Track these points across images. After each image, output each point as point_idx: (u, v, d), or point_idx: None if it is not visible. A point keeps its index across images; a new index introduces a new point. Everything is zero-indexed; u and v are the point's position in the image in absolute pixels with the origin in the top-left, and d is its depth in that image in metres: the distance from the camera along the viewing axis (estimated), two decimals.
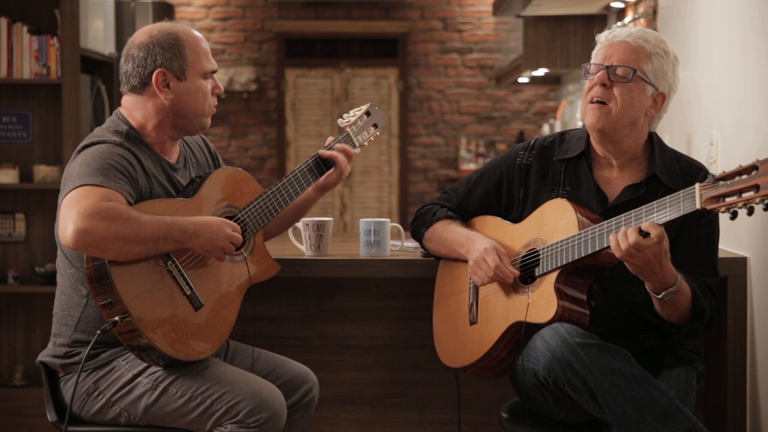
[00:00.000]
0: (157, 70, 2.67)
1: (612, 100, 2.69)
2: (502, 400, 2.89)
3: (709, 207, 2.31)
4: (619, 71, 2.68)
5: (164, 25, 2.74)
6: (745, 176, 2.26)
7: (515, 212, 2.83)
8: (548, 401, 2.61)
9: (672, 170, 2.71)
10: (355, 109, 3.12)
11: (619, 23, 5.08)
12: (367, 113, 3.11)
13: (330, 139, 3.00)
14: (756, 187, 2.23)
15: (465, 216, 2.93)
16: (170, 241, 2.54)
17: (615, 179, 2.76)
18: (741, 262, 3.04)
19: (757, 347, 3.02)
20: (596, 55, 2.75)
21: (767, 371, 2.96)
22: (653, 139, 2.77)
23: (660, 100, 2.72)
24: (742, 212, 2.27)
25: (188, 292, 2.59)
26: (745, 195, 2.25)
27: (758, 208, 2.24)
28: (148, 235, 2.49)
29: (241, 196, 2.77)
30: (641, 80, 2.68)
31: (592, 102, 2.71)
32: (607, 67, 2.69)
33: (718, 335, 3.08)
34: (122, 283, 2.47)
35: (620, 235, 2.46)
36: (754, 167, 2.25)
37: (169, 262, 2.56)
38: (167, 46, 2.68)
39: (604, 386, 2.46)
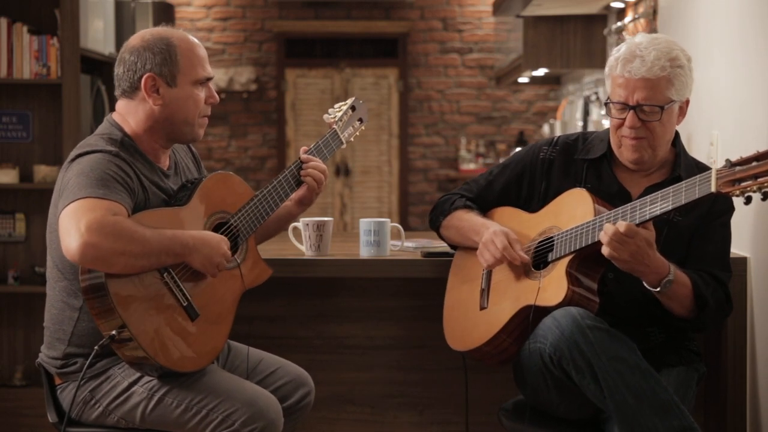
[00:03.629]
0: (146, 75, 2.64)
1: (647, 135, 2.69)
2: (503, 399, 2.89)
3: (724, 190, 2.35)
4: (647, 109, 2.67)
5: (159, 30, 2.70)
6: (762, 161, 2.31)
7: (535, 205, 2.85)
8: (550, 389, 2.62)
9: (693, 175, 2.72)
10: (340, 104, 3.10)
11: (619, 23, 5.08)
12: (353, 108, 3.09)
13: (304, 149, 2.96)
14: None
15: (484, 208, 2.96)
16: (171, 255, 2.52)
17: (638, 179, 2.78)
18: (741, 262, 3.04)
19: (757, 347, 3.02)
20: (615, 90, 2.71)
21: (767, 371, 2.96)
22: (678, 143, 2.80)
23: (686, 105, 2.75)
24: (757, 199, 2.31)
25: (185, 303, 2.57)
26: (761, 179, 2.29)
27: None
28: (152, 250, 2.48)
29: (232, 201, 2.75)
30: (670, 107, 2.68)
31: (627, 138, 2.71)
32: (633, 108, 2.67)
33: (718, 335, 3.08)
34: (119, 296, 2.46)
35: (602, 234, 2.51)
36: None
37: (165, 273, 2.54)
38: (158, 51, 2.64)
39: (608, 371, 2.48)
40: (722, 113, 3.39)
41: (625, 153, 2.74)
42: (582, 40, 6.02)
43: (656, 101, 2.66)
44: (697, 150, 3.59)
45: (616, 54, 2.72)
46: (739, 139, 3.22)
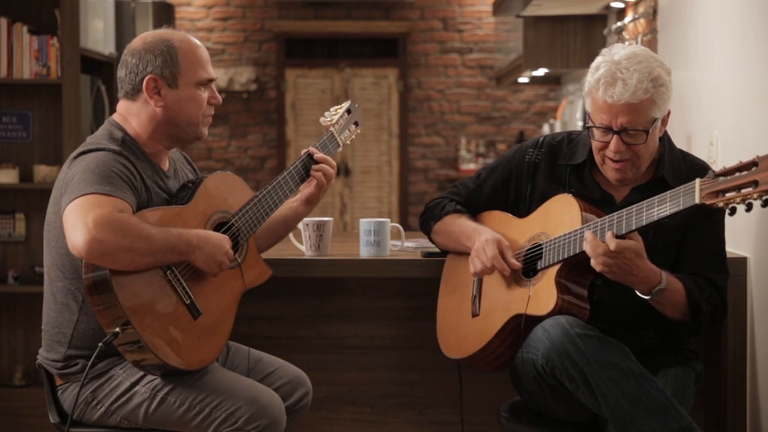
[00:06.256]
0: (148, 77, 2.65)
1: (632, 156, 2.65)
2: (502, 400, 2.89)
3: (708, 202, 2.32)
4: (631, 133, 2.62)
5: (161, 32, 2.71)
6: (744, 172, 2.27)
7: (522, 209, 2.85)
8: (546, 395, 2.62)
9: (679, 171, 2.71)
10: (336, 107, 3.11)
11: (619, 23, 5.08)
12: (348, 111, 3.10)
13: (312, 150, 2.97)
14: (755, 183, 2.24)
15: (474, 211, 2.95)
16: (176, 252, 2.53)
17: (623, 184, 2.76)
18: (741, 262, 3.04)
19: (757, 347, 3.02)
20: (597, 113, 2.65)
21: (767, 371, 2.96)
22: (664, 141, 2.76)
23: (667, 116, 2.71)
24: (741, 210, 2.28)
25: (187, 301, 2.57)
26: (744, 190, 2.26)
27: (756, 204, 2.25)
28: (157, 247, 2.48)
29: (233, 201, 2.76)
30: (654, 127, 2.64)
31: (611, 160, 2.68)
32: (618, 132, 2.62)
33: (718, 335, 3.08)
34: (123, 294, 2.46)
35: (590, 250, 2.50)
36: (753, 163, 2.26)
37: (168, 271, 2.55)
38: (159, 53, 2.65)
39: (601, 378, 2.47)
40: (722, 113, 3.39)
41: (608, 172, 2.71)
42: (582, 40, 6.01)
43: (641, 125, 2.61)
44: (697, 150, 3.59)
45: (595, 74, 2.65)
46: (739, 139, 3.22)
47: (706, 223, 2.70)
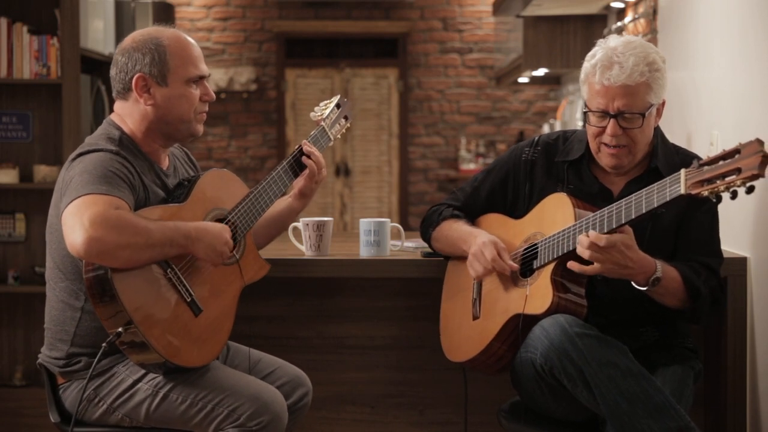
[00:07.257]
0: (137, 75, 2.66)
1: (628, 142, 2.68)
2: (502, 400, 2.89)
3: (693, 192, 2.34)
4: (628, 116, 2.65)
5: (150, 30, 2.71)
6: (728, 160, 2.29)
7: (521, 208, 2.86)
8: (546, 395, 2.62)
9: (673, 163, 2.74)
10: (326, 102, 3.13)
11: (619, 23, 5.08)
12: (338, 105, 3.11)
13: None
14: (738, 171, 2.26)
15: (472, 215, 2.96)
16: (175, 246, 2.53)
17: (618, 176, 2.78)
18: (741, 262, 3.04)
19: (757, 347, 3.02)
20: (593, 98, 2.68)
21: (767, 371, 2.96)
22: (657, 134, 2.78)
23: (662, 106, 2.73)
24: (727, 198, 2.30)
25: (188, 299, 2.58)
26: (728, 178, 2.28)
27: (741, 191, 2.27)
28: (155, 241, 2.48)
29: (229, 198, 2.77)
30: (650, 112, 2.67)
31: (606, 146, 2.69)
32: (614, 116, 2.65)
33: (718, 335, 3.08)
34: (125, 293, 2.46)
35: (581, 250, 2.52)
36: (736, 151, 2.29)
37: (169, 269, 2.55)
38: (147, 51, 2.66)
39: (600, 377, 2.48)
40: (722, 113, 3.39)
41: (604, 159, 2.73)
42: (582, 40, 6.01)
43: (637, 108, 2.64)
44: (697, 150, 3.57)
45: (591, 60, 2.68)
46: (739, 139, 3.20)
47: (698, 212, 2.72)
